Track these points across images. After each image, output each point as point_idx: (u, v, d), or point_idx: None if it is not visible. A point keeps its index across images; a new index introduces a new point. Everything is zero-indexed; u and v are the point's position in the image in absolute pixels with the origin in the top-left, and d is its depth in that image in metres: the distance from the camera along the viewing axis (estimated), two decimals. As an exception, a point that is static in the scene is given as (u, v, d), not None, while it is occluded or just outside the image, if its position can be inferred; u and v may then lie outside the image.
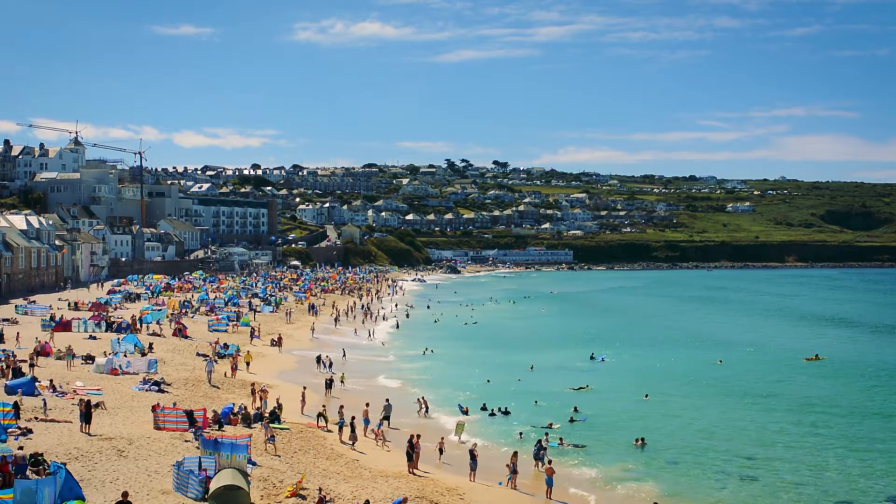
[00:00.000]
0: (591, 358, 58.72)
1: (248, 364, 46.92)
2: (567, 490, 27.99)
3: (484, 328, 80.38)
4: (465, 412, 39.25)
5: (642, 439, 33.83)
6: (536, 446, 30.99)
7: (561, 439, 33.45)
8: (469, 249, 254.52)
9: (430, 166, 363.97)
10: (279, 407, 34.26)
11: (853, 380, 51.21)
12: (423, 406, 39.53)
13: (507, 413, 39.89)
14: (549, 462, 28.39)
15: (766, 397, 44.90)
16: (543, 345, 66.41)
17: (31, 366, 39.65)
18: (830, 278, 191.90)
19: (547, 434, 33.84)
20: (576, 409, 39.50)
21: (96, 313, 62.67)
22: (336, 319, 78.54)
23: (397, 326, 79.18)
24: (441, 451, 30.49)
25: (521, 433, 34.65)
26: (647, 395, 44.48)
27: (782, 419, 39.37)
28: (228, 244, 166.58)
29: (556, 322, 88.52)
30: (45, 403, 30.65)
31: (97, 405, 31.70)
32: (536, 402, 42.01)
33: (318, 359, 51.34)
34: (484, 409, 40.52)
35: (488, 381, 48.24)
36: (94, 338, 52.33)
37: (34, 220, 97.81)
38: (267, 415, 33.52)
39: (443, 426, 36.55)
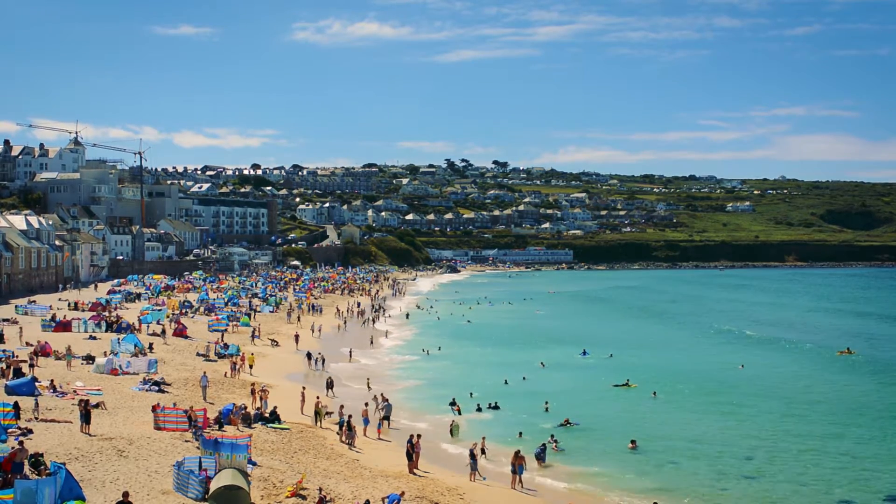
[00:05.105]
0: (584, 353, 59.08)
1: (251, 366, 46.48)
2: (565, 491, 27.98)
3: (481, 328, 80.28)
4: (458, 412, 39.18)
5: (634, 441, 33.57)
6: (539, 447, 31.00)
7: (555, 443, 33.19)
8: (469, 249, 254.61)
9: (430, 166, 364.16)
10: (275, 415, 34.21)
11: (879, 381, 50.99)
12: (381, 402, 37.27)
13: (496, 408, 40.13)
14: (518, 452, 28.25)
15: (784, 400, 44.39)
16: (541, 344, 66.27)
17: (31, 366, 39.64)
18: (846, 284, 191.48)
19: (552, 437, 33.64)
20: (546, 406, 40.08)
21: (96, 313, 62.66)
22: (345, 322, 78.60)
23: (392, 328, 79.11)
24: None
25: (520, 432, 34.58)
26: (654, 393, 44.61)
27: (790, 420, 39.34)
28: (228, 244, 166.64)
29: (553, 323, 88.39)
30: (36, 404, 30.43)
31: (97, 405, 31.69)
32: (547, 402, 41.54)
33: (309, 355, 51.41)
34: (453, 403, 40.11)
35: (506, 381, 47.92)
36: (94, 338, 52.30)
37: (34, 220, 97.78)
38: (267, 414, 33.57)
39: (415, 427, 36.34)
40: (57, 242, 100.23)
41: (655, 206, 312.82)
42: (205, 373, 39.56)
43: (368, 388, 43.46)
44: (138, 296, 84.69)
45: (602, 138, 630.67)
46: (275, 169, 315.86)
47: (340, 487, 24.76)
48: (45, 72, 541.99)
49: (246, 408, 33.30)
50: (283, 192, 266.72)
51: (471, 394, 43.08)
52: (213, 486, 21.61)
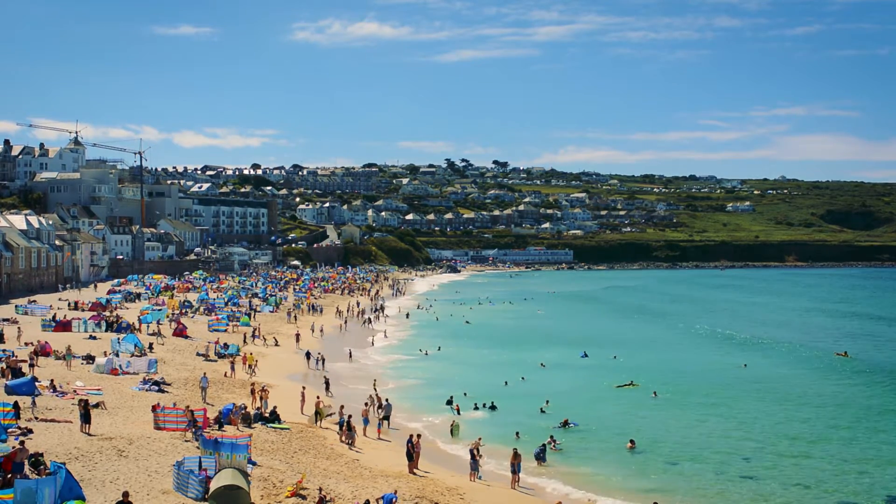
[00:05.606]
0: (584, 355, 59.08)
1: (251, 367, 46.13)
2: (563, 492, 28.00)
3: (481, 328, 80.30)
4: (458, 411, 39.20)
5: (633, 441, 33.61)
6: (539, 447, 31.01)
7: (554, 443, 33.25)
8: (469, 249, 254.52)
9: (430, 166, 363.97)
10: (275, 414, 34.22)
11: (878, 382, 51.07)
12: (376, 403, 37.23)
13: (493, 408, 40.28)
14: (516, 451, 28.37)
15: (784, 399, 44.51)
16: (541, 344, 66.25)
17: (31, 366, 39.66)
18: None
19: (551, 437, 33.66)
20: (547, 402, 40.58)
21: (96, 313, 62.69)
22: (346, 322, 78.62)
23: (391, 328, 79.09)
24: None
25: (517, 433, 34.58)
26: (655, 393, 44.68)
27: (788, 421, 39.35)
28: (228, 244, 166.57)
29: (553, 323, 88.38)
30: (34, 403, 30.45)
31: (97, 405, 31.72)
32: (548, 401, 41.52)
33: (308, 355, 51.48)
34: (450, 402, 40.33)
35: (505, 382, 47.94)
36: (94, 338, 52.34)
37: (34, 220, 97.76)
38: (267, 414, 33.59)
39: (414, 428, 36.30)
40: (57, 242, 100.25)
41: (655, 206, 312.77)
42: (205, 374, 39.51)
43: (374, 388, 43.38)
44: (138, 296, 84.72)
45: (602, 138, 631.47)
46: (275, 169, 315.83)
47: (340, 487, 24.79)
48: (45, 72, 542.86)
49: (246, 408, 33.34)
50: (283, 191, 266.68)
51: (464, 393, 43.11)
52: (213, 485, 21.64)
